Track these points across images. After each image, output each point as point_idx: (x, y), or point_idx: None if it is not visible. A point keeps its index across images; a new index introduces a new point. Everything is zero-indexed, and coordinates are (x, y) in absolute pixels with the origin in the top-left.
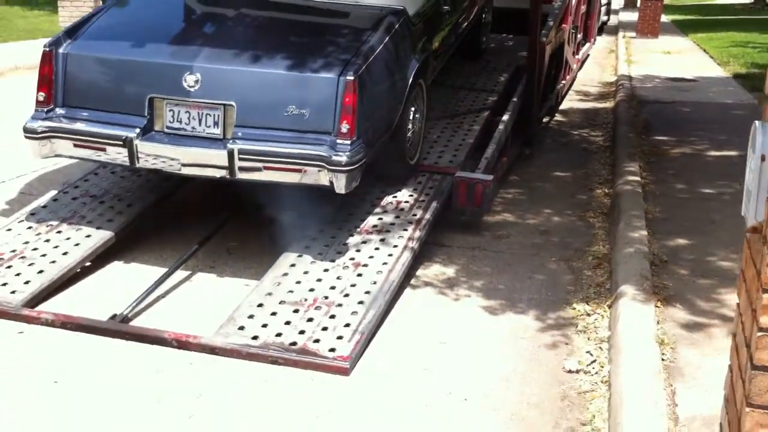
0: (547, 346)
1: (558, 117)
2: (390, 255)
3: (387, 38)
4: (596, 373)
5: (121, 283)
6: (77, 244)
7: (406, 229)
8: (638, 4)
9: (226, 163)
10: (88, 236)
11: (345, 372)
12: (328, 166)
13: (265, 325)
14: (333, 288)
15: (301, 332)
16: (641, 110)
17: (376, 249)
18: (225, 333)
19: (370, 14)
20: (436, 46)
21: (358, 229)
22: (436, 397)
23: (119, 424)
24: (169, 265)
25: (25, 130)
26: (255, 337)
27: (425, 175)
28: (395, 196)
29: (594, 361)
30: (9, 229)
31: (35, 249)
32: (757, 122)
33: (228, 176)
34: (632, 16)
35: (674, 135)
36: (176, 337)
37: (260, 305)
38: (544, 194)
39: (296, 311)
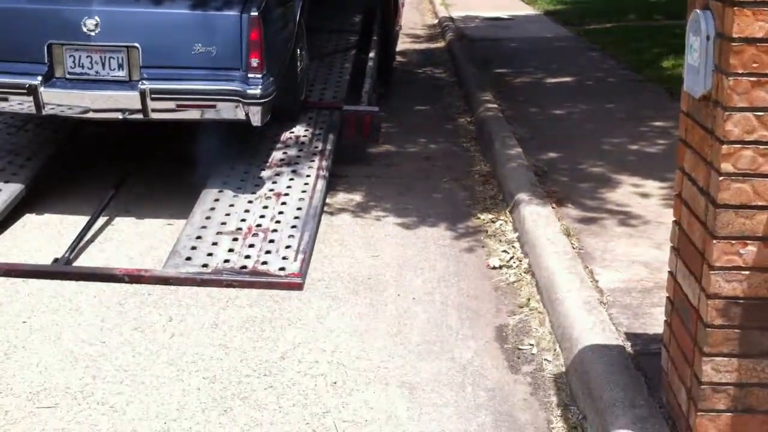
0: (467, 250)
1: (398, 58)
2: (306, 184)
3: None
4: (517, 267)
5: (42, 233)
6: None
7: (313, 160)
8: None
9: (138, 105)
10: None
11: (299, 287)
12: (243, 100)
13: (210, 254)
14: (263, 217)
15: (247, 257)
16: (473, 47)
17: (291, 179)
18: (174, 264)
19: None
20: None
21: (267, 164)
22: (387, 299)
23: (113, 351)
24: (81, 212)
25: None
26: (205, 265)
27: (313, 111)
28: (292, 132)
29: (512, 257)
30: None
31: None
32: (698, 11)
33: (141, 117)
34: None
35: (511, 67)
36: (127, 272)
37: (199, 237)
38: (413, 126)
39: (235, 239)
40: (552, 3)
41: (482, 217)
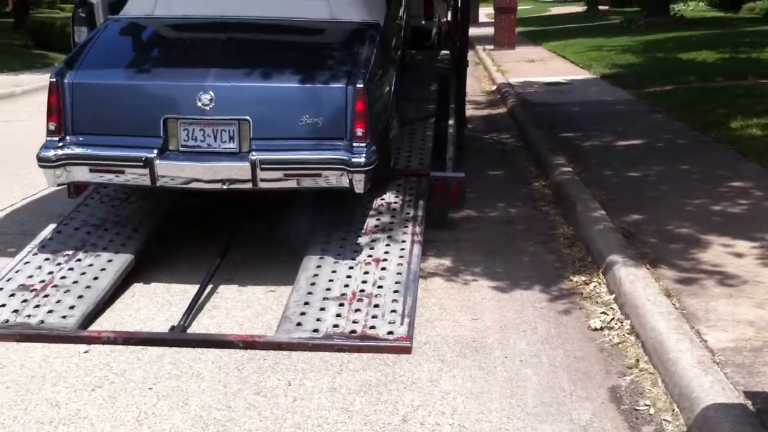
0: (564, 312)
1: None
2: (402, 249)
3: (375, 49)
4: (619, 328)
5: (152, 301)
6: (103, 269)
7: (406, 226)
8: (480, 20)
9: (248, 175)
10: (110, 261)
11: (408, 351)
12: (348, 169)
13: (319, 320)
14: (365, 282)
15: (355, 322)
16: (534, 112)
17: (387, 245)
18: (286, 330)
19: (352, 28)
20: (396, 57)
21: (363, 230)
22: (496, 361)
23: (240, 416)
24: (186, 281)
25: (40, 159)
26: (315, 330)
27: (401, 178)
28: (383, 199)
29: (612, 318)
30: (27, 262)
31: (63, 277)
32: None
33: (250, 186)
34: (478, 31)
35: (577, 131)
36: (242, 338)
37: (306, 303)
38: (489, 191)
39: (342, 305)
40: (608, 67)
41: (575, 279)
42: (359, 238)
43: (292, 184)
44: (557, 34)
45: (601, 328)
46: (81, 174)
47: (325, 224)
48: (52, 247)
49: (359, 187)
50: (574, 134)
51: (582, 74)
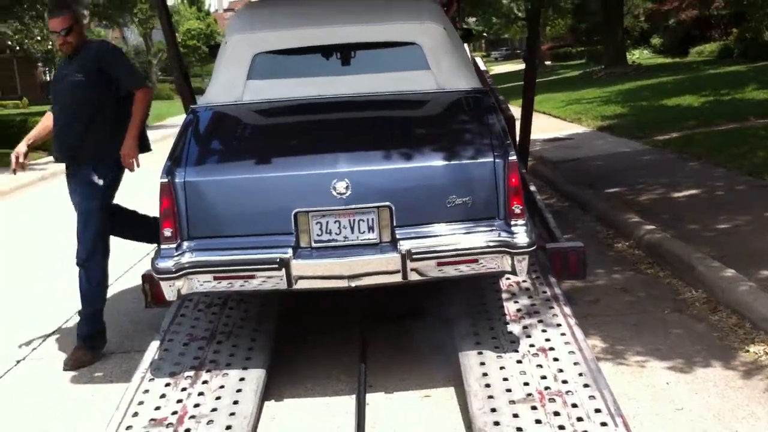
0: None
1: None
2: (563, 334)
3: (500, 118)
4: None
5: (297, 424)
6: (239, 390)
7: (552, 307)
8: None
9: (398, 267)
10: (242, 379)
11: None
12: (510, 251)
13: (519, 429)
14: (544, 378)
15: (561, 428)
16: (559, 169)
17: (544, 331)
18: None
19: (467, 98)
20: None
21: (507, 316)
22: None
23: None
24: (323, 393)
25: (158, 271)
26: None
27: None
28: (508, 279)
29: None
30: (146, 390)
31: (197, 405)
32: None
33: (399, 280)
34: None
35: (620, 186)
36: None
37: (494, 410)
38: None
39: (534, 408)
40: (598, 119)
41: (752, 350)
42: (508, 326)
43: (445, 273)
44: (517, 93)
45: None
46: (204, 283)
47: (460, 312)
48: (166, 369)
49: (522, 270)
50: (619, 189)
51: (575, 128)
